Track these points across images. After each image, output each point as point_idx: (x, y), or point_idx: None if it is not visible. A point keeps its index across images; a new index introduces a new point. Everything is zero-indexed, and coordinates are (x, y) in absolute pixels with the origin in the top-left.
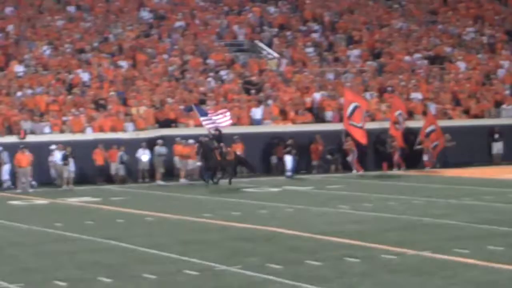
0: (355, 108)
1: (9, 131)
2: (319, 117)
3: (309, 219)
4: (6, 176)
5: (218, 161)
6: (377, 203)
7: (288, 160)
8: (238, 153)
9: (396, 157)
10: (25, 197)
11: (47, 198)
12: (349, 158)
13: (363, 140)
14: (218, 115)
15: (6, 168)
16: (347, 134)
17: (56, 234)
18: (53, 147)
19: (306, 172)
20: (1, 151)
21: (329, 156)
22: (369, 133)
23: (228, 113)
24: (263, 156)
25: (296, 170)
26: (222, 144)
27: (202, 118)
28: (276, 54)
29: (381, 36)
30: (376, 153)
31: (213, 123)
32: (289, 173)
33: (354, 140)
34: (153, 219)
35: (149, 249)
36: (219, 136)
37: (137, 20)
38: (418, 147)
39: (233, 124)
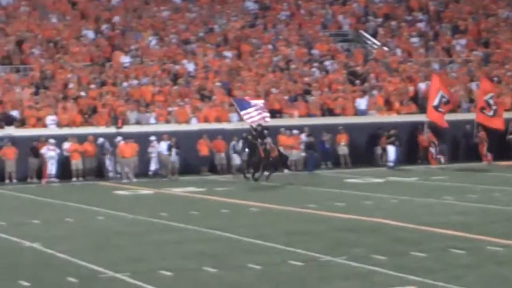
0: (442, 96)
1: (115, 121)
2: (423, 108)
3: (413, 210)
4: (110, 166)
5: (261, 157)
6: (482, 194)
7: (391, 150)
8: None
9: (483, 148)
10: (130, 187)
11: (152, 188)
12: (432, 150)
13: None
14: (257, 109)
15: (110, 158)
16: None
17: (161, 224)
18: (152, 138)
19: (410, 163)
20: (104, 142)
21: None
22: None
23: (264, 109)
24: (367, 146)
25: (399, 161)
26: (267, 140)
27: (242, 112)
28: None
29: (487, 26)
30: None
31: (257, 115)
32: (391, 164)
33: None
34: (258, 209)
35: (253, 240)
36: (261, 132)
37: (242, 10)
38: (511, 136)
39: (338, 115)
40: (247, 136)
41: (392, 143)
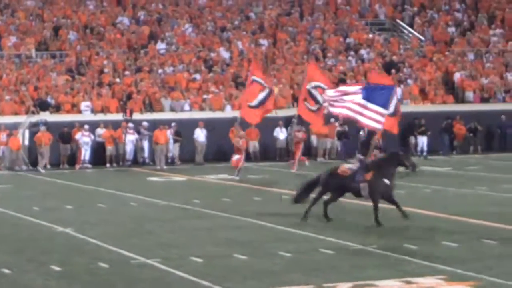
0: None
1: (150, 108)
2: (459, 98)
3: (446, 200)
4: (145, 153)
5: None
6: None
7: (422, 140)
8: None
9: None
10: (163, 174)
11: (185, 175)
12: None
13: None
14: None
15: (146, 144)
16: None
17: (193, 210)
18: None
19: (444, 153)
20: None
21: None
22: None
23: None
24: (401, 136)
25: (430, 150)
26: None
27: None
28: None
29: None
30: None
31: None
32: (422, 154)
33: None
34: (289, 197)
35: (285, 227)
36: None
37: None
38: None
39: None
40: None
41: (422, 132)
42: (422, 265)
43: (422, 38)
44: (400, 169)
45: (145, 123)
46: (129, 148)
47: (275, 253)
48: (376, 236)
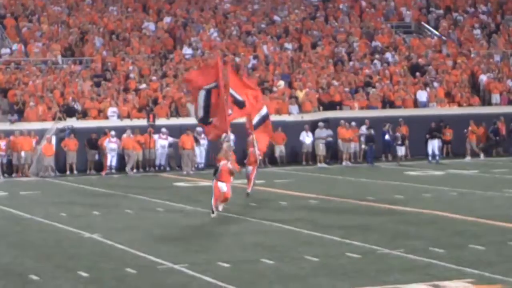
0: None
1: (176, 113)
2: (485, 100)
3: (473, 203)
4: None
5: None
6: None
7: (434, 144)
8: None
9: None
10: (190, 179)
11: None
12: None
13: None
14: None
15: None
16: None
17: (220, 215)
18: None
19: (464, 156)
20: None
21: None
22: None
23: None
24: (426, 139)
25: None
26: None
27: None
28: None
29: None
30: None
31: None
32: (435, 158)
33: None
34: (317, 201)
35: (312, 232)
36: None
37: (303, 2)
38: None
39: (398, 107)
40: None
41: (435, 136)
42: (449, 269)
43: (447, 40)
44: None
45: (163, 130)
46: (159, 153)
47: (301, 258)
48: (403, 239)
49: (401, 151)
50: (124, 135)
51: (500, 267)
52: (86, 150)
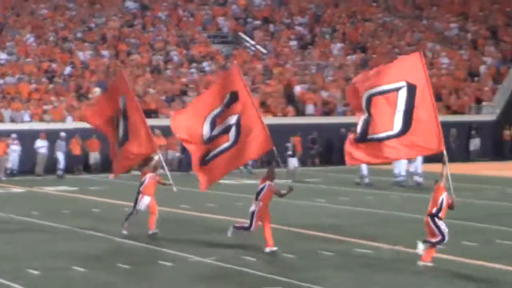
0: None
1: None
2: (299, 110)
3: (284, 212)
4: None
5: None
6: (353, 196)
7: (292, 162)
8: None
9: None
10: (1, 185)
11: (23, 187)
12: None
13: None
14: None
15: None
16: None
17: (31, 222)
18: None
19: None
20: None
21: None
22: None
23: None
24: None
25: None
26: None
27: None
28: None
29: (364, 30)
30: None
31: None
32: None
33: None
34: (129, 209)
35: (126, 240)
36: None
37: (122, 10)
38: None
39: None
40: None
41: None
42: (258, 276)
43: (264, 51)
44: None
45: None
46: None
47: (113, 265)
48: (213, 247)
49: None
50: None
51: (309, 274)
52: None
